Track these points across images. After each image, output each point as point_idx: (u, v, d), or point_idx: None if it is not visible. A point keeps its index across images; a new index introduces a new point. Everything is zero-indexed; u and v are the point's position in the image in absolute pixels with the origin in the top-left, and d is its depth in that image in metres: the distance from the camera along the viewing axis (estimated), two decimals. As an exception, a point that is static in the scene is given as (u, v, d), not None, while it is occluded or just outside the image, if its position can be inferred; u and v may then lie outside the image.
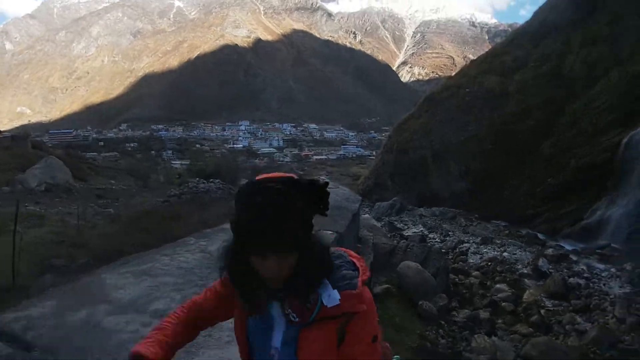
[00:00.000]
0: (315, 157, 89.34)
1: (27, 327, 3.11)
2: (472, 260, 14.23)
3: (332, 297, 1.22)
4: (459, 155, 25.07)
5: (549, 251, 15.02)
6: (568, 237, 18.53)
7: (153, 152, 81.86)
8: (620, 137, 18.84)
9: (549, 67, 24.42)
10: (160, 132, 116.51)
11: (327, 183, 1.18)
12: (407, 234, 16.20)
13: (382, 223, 15.92)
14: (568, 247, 16.31)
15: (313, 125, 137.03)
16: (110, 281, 4.04)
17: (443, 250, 14.01)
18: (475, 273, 12.94)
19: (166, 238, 6.23)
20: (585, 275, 13.66)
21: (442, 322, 8.80)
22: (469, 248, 15.37)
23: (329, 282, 1.24)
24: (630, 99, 19.33)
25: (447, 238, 16.44)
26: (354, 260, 1.33)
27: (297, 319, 1.22)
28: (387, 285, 8.28)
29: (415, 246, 10.62)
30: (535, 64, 25.37)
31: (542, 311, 10.93)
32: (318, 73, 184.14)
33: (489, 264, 13.98)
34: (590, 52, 22.74)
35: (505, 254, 14.99)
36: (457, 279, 12.07)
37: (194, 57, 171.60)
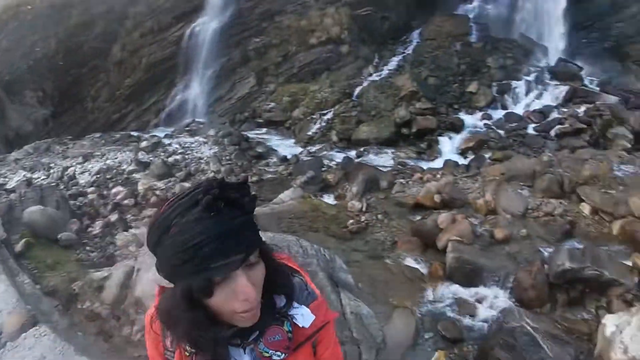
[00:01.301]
0: None
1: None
2: (82, 181, 15.22)
3: (305, 316, 1.19)
4: (32, 81, 23.84)
5: (144, 143, 17.33)
6: (158, 126, 21.55)
7: None
8: (182, 31, 22.26)
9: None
10: None
11: (247, 177, 1.27)
12: (12, 186, 15.61)
13: (-24, 188, 14.57)
14: (161, 134, 18.97)
15: None
16: None
17: (53, 184, 14.50)
18: (90, 189, 14.18)
19: None
20: (180, 151, 16.73)
21: (86, 241, 10.15)
22: (75, 170, 16.17)
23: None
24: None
25: (51, 170, 16.69)
26: (285, 261, 1.30)
27: (282, 356, 1.16)
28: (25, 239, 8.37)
29: (27, 192, 11.15)
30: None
31: (157, 192, 13.48)
32: None
33: (99, 176, 15.37)
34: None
35: (108, 161, 16.34)
36: (77, 203, 13.18)
37: None
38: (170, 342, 1.21)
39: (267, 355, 1.15)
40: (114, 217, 12.29)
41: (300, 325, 1.18)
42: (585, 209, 7.73)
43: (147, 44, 23.12)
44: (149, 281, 4.68)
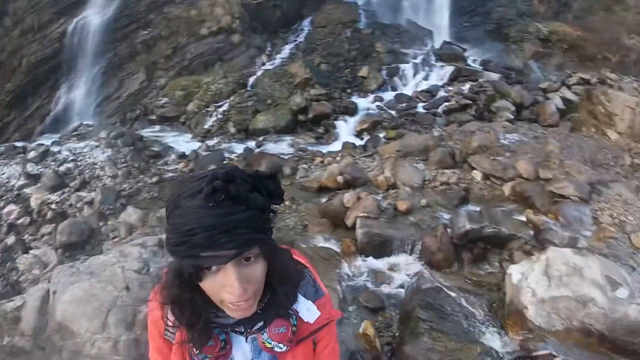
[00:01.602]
0: None
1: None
2: (-33, 202, 14.04)
3: (311, 311, 1.19)
4: None
5: (32, 154, 16.06)
6: (44, 133, 19.87)
7: None
8: (65, 27, 20.40)
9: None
10: None
11: (276, 172, 1.08)
12: None
13: None
14: (48, 142, 17.60)
15: None
16: None
17: None
18: (-24, 209, 13.12)
19: None
20: (72, 158, 15.71)
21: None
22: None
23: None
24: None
25: None
26: (295, 256, 1.28)
27: (284, 348, 1.16)
28: None
29: None
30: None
31: (52, 205, 12.64)
32: None
33: (-15, 196, 14.19)
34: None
35: (-7, 179, 15.21)
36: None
37: None
38: (172, 321, 1.21)
39: (269, 346, 1.17)
40: (10, 239, 11.45)
41: (305, 321, 1.19)
42: (477, 175, 8.48)
43: (27, 43, 21.08)
44: (68, 303, 4.41)
